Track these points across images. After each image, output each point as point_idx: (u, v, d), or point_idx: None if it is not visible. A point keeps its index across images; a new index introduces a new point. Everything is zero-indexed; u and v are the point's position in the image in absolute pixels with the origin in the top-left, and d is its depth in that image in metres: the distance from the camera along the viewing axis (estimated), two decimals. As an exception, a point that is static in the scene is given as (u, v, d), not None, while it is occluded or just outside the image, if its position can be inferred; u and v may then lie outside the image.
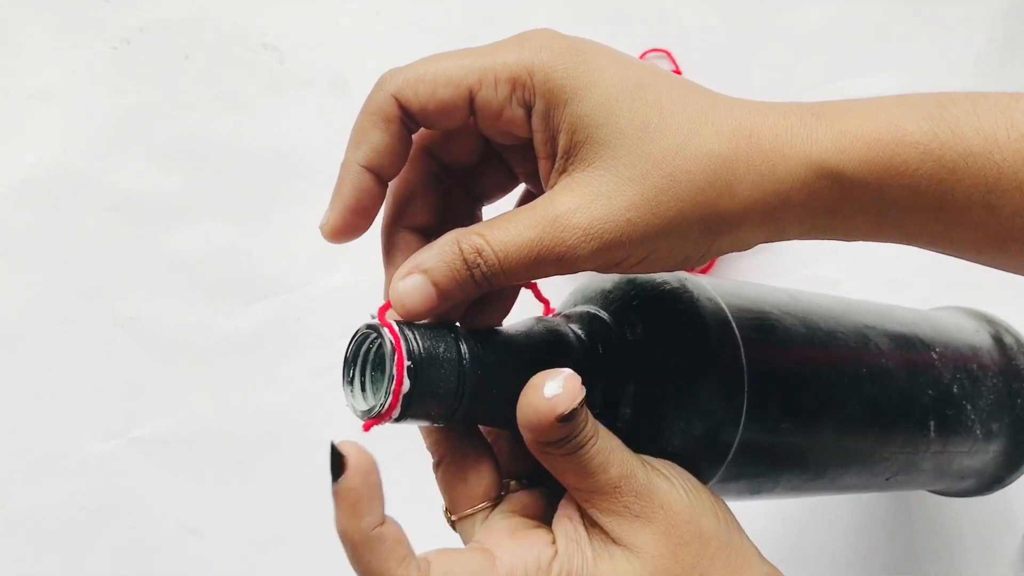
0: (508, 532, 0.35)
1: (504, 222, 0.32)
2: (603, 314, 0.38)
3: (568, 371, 0.33)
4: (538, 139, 0.33)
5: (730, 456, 0.39)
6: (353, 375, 0.36)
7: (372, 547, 0.33)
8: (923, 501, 0.72)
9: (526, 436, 0.34)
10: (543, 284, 0.39)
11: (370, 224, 0.35)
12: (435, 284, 0.32)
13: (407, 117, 0.33)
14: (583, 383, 0.33)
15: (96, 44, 0.75)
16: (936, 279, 0.73)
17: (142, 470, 0.72)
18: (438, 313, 0.33)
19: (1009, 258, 0.34)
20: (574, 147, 0.32)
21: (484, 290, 0.33)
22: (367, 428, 0.34)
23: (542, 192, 0.34)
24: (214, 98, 0.75)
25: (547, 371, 0.33)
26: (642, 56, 0.74)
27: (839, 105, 0.33)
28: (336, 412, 0.74)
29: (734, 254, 0.74)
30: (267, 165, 0.74)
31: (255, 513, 0.72)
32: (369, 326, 0.34)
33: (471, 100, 0.32)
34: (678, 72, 0.74)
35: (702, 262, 0.34)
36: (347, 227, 0.34)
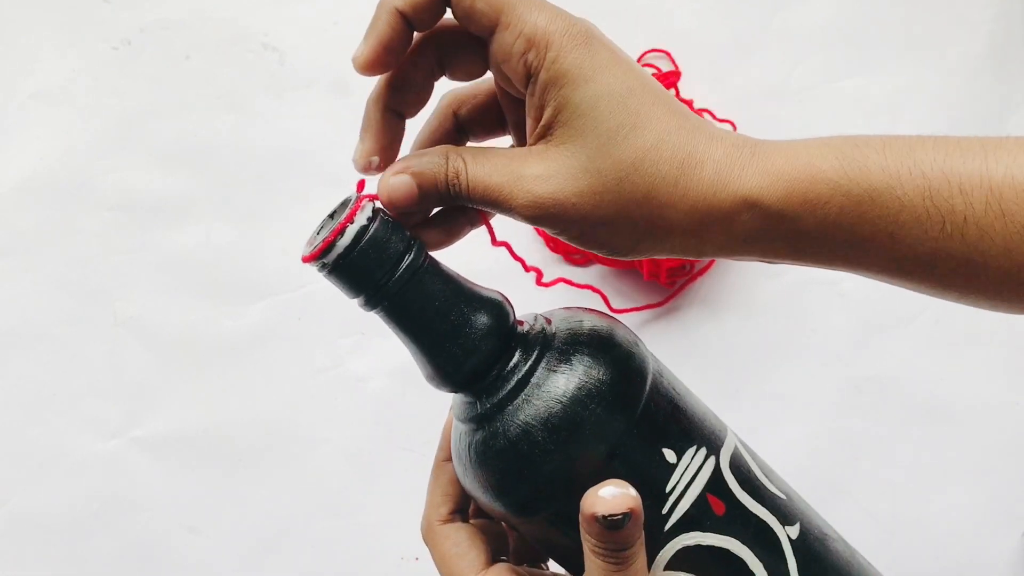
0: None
1: (485, 158, 0.38)
2: (551, 323, 0.42)
3: (631, 490, 0.37)
4: (530, 102, 0.38)
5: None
6: (321, 228, 0.40)
7: None
8: (922, 501, 0.72)
9: (582, 527, 0.37)
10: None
11: (395, 63, 0.39)
12: (419, 186, 0.38)
13: None
14: (504, 347, 0.39)
15: (97, 44, 0.75)
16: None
17: (143, 470, 0.72)
18: (412, 211, 0.39)
19: (915, 283, 0.38)
20: (556, 123, 0.37)
21: (451, 203, 0.39)
22: (303, 260, 0.39)
23: (522, 143, 0.41)
24: (214, 98, 0.75)
25: (616, 481, 0.37)
26: (642, 56, 0.75)
27: (772, 145, 0.38)
28: (336, 412, 0.74)
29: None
30: (267, 165, 0.75)
31: (255, 513, 0.72)
32: (357, 196, 0.39)
33: (494, 30, 0.37)
34: (677, 73, 0.74)
35: (626, 257, 0.39)
36: (377, 60, 0.38)
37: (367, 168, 0.40)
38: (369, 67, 0.38)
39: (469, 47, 0.40)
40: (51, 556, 0.72)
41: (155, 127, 0.75)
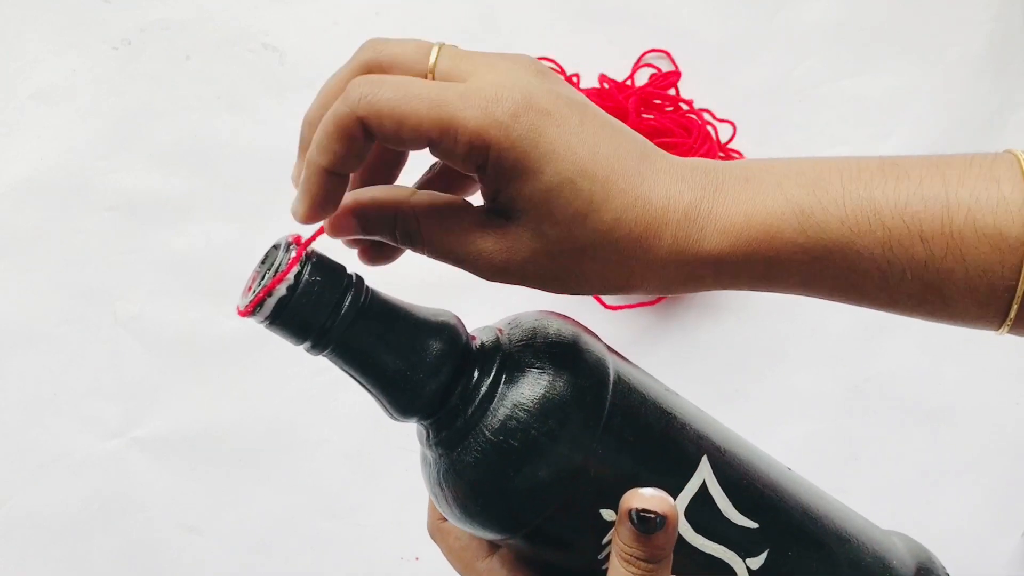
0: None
1: (441, 226, 0.38)
2: (506, 334, 0.41)
3: (671, 499, 0.37)
4: (483, 183, 0.37)
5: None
6: (260, 278, 0.38)
7: None
8: (922, 501, 0.72)
9: (616, 529, 0.38)
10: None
11: (334, 209, 0.39)
12: (367, 239, 0.39)
13: (369, 135, 0.36)
14: (459, 371, 0.38)
15: (97, 44, 0.75)
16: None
17: (143, 469, 0.72)
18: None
19: (876, 309, 0.38)
20: (511, 210, 0.36)
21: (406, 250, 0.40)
22: (240, 314, 0.38)
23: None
24: (214, 98, 0.75)
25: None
26: (642, 56, 0.75)
27: (732, 193, 0.37)
28: (336, 412, 0.74)
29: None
30: (267, 165, 0.75)
31: (255, 513, 0.72)
32: (288, 244, 0.38)
33: (430, 143, 0.36)
34: (677, 73, 0.74)
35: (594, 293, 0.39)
36: (316, 216, 0.38)
37: (307, 224, 0.39)
38: (310, 220, 0.39)
39: None
40: (51, 556, 0.72)
41: (155, 127, 0.75)
